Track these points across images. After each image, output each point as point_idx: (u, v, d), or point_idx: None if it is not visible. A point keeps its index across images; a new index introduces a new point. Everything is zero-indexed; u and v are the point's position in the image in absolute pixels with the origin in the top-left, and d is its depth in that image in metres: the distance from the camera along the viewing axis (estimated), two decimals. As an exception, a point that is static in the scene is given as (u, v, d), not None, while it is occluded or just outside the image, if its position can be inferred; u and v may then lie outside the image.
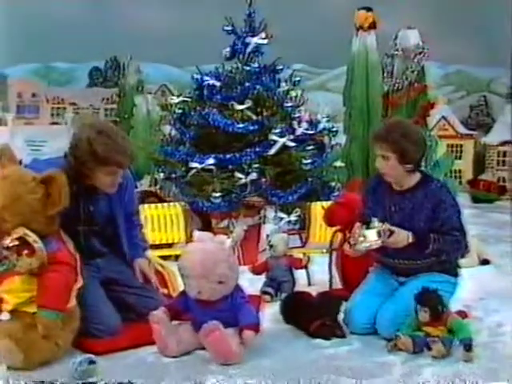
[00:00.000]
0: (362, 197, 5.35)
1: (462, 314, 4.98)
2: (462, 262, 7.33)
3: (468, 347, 4.34)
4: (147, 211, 8.01)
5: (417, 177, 4.97)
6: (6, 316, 4.48)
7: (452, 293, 5.00)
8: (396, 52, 7.98)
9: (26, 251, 4.25)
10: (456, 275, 5.10)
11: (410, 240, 4.81)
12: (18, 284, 4.37)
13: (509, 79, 17.75)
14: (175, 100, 10.07)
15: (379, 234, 4.79)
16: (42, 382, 3.96)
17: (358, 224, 4.96)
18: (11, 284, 4.38)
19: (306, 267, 6.55)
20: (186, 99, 10.00)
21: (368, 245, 4.85)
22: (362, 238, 4.87)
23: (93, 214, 4.96)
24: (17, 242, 4.25)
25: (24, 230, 4.27)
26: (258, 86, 9.54)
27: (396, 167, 4.88)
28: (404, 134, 4.87)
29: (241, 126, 9.19)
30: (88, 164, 4.67)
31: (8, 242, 4.24)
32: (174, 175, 9.59)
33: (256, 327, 4.46)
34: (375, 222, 4.82)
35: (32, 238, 4.27)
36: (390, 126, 5.12)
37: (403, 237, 4.80)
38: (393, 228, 4.80)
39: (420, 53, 7.94)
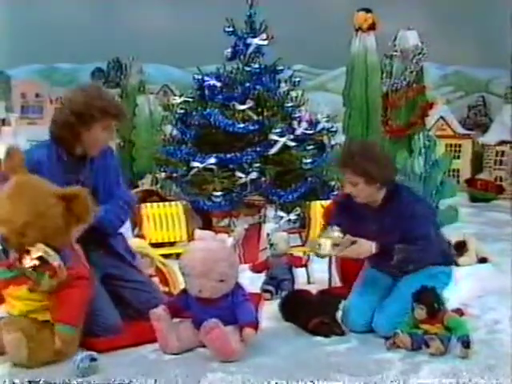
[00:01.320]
0: (332, 206, 5.37)
1: (459, 312, 5.01)
2: (460, 260, 7.43)
3: (466, 344, 4.37)
4: (149, 210, 8.07)
5: (384, 190, 4.95)
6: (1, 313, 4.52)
7: (447, 283, 5.05)
8: (395, 53, 8.02)
9: (47, 272, 4.22)
10: (451, 263, 5.15)
11: (374, 251, 4.83)
12: (25, 293, 4.34)
13: (507, 79, 17.74)
14: (177, 100, 10.16)
15: (336, 244, 4.83)
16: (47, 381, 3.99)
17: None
18: (18, 291, 4.36)
19: (305, 266, 6.59)
20: (187, 99, 10.08)
21: (325, 253, 4.91)
22: (317, 246, 4.92)
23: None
24: (37, 262, 4.22)
25: (44, 248, 4.23)
26: (258, 87, 9.62)
27: (365, 189, 4.86)
28: (365, 155, 4.85)
29: (241, 125, 9.26)
30: (84, 120, 4.72)
31: (28, 261, 4.22)
32: (175, 174, 9.65)
33: (256, 325, 4.48)
34: (334, 232, 4.86)
35: (52, 256, 4.23)
36: (350, 151, 5.06)
37: (366, 248, 4.83)
38: (354, 238, 4.82)
39: (419, 53, 7.97)
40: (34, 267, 4.22)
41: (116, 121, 4.90)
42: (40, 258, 4.22)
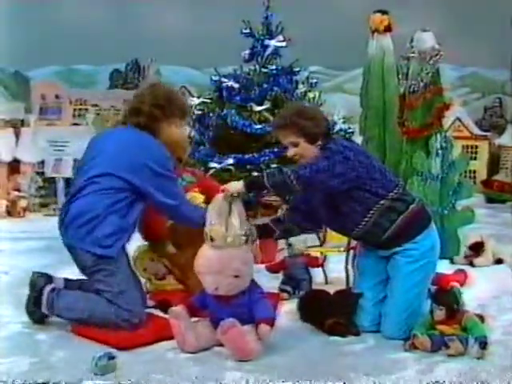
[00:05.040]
0: None
1: (480, 318, 4.86)
2: (476, 261, 7.43)
3: (483, 345, 4.37)
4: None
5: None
6: None
7: (430, 258, 4.95)
8: (412, 54, 8.02)
9: None
10: (420, 232, 4.92)
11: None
12: None
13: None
14: (195, 101, 10.17)
15: None
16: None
17: None
18: None
19: (322, 266, 6.61)
20: (205, 101, 10.11)
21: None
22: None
23: None
24: None
25: None
26: (275, 88, 9.63)
27: (307, 148, 4.85)
28: (300, 115, 4.87)
29: (259, 126, 9.28)
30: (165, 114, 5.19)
31: None
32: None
33: (272, 321, 4.50)
34: None
35: None
36: (285, 112, 5.10)
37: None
38: None
39: (435, 55, 7.97)
40: None
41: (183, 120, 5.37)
42: None
